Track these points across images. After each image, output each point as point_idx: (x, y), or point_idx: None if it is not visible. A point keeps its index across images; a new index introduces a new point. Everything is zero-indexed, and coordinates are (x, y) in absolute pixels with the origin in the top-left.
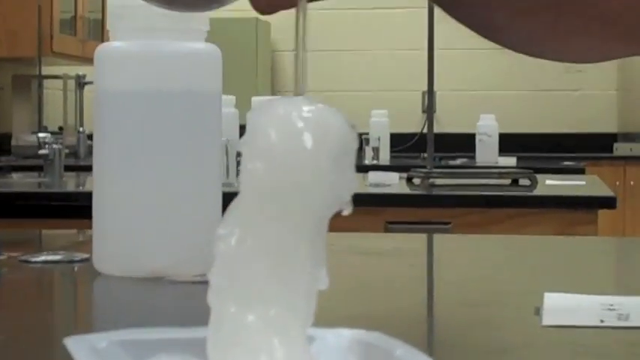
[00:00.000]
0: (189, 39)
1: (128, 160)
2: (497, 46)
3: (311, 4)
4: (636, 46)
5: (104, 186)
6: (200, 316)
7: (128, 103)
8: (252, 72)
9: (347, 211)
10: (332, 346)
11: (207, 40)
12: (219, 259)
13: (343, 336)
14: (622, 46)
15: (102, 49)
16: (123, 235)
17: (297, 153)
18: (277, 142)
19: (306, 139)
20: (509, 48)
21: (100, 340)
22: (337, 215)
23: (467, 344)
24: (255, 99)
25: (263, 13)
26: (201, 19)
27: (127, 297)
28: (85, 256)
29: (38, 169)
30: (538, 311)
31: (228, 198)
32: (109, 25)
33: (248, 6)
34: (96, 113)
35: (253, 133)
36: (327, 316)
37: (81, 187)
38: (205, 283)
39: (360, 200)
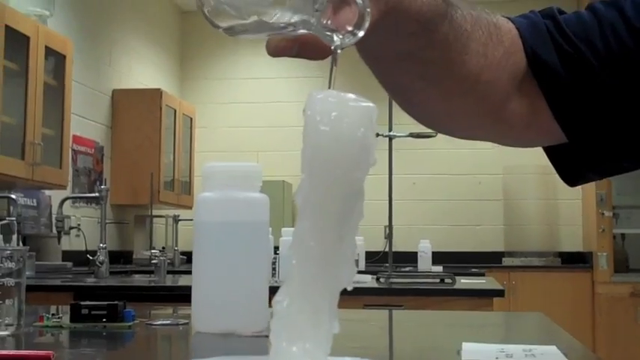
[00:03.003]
0: (250, 190)
1: (214, 261)
2: (431, 197)
3: None
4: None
5: (199, 278)
6: (254, 352)
7: (214, 228)
8: (280, 212)
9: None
10: None
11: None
12: (276, 315)
13: None
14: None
15: (200, 196)
16: (210, 308)
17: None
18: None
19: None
20: (423, 124)
21: None
22: None
23: None
24: (284, 229)
25: (272, 55)
26: (257, 179)
27: (213, 343)
28: (185, 321)
29: (150, 272)
30: (459, 352)
31: (273, 290)
32: (202, 182)
33: (281, 173)
34: (195, 234)
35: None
36: (335, 351)
37: (177, 283)
38: (258, 336)
39: (347, 291)
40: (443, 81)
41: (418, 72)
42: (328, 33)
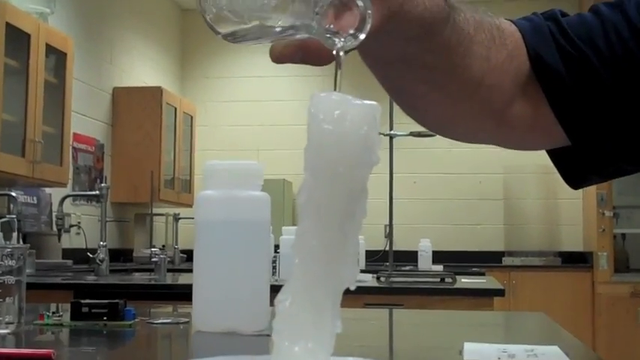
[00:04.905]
0: (252, 189)
1: (215, 260)
2: (431, 196)
3: None
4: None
5: (200, 277)
6: (255, 352)
7: (216, 226)
8: (281, 210)
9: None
10: None
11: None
12: (278, 314)
13: None
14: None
15: (201, 194)
16: (210, 307)
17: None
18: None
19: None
20: (427, 127)
21: None
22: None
23: None
24: (284, 228)
25: (276, 62)
26: (259, 178)
27: (214, 342)
28: (186, 320)
29: (150, 270)
30: (460, 352)
31: (274, 288)
32: (204, 180)
33: (281, 171)
34: (196, 233)
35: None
36: (336, 351)
37: (177, 282)
38: (259, 335)
39: (347, 290)
40: (446, 85)
41: (421, 76)
42: (329, 36)
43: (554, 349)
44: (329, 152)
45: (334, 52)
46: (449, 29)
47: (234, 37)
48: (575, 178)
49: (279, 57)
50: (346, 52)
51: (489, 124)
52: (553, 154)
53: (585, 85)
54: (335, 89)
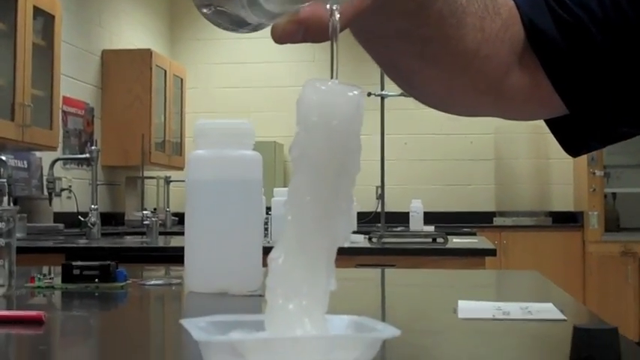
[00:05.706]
0: (243, 148)
1: (207, 220)
2: (423, 157)
3: None
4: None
5: (192, 237)
6: (248, 312)
7: (207, 186)
8: (272, 173)
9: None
10: (337, 325)
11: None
12: (271, 272)
13: (344, 319)
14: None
15: (192, 154)
16: (203, 267)
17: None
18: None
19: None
20: (425, 104)
21: (200, 321)
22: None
23: (410, 328)
24: (276, 190)
25: (277, 42)
26: (250, 137)
27: (206, 302)
28: (178, 280)
29: (142, 233)
30: (455, 310)
31: (266, 250)
32: (194, 140)
33: (272, 134)
34: (187, 193)
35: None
36: (331, 311)
37: (169, 244)
38: (252, 296)
39: (340, 251)
40: (441, 59)
41: (415, 52)
42: None
43: (549, 306)
44: (322, 105)
45: (327, 7)
46: (440, 1)
47: (223, 15)
48: (574, 146)
49: (281, 36)
50: (341, 30)
51: (487, 98)
52: (551, 123)
53: (581, 51)
54: (332, 47)
